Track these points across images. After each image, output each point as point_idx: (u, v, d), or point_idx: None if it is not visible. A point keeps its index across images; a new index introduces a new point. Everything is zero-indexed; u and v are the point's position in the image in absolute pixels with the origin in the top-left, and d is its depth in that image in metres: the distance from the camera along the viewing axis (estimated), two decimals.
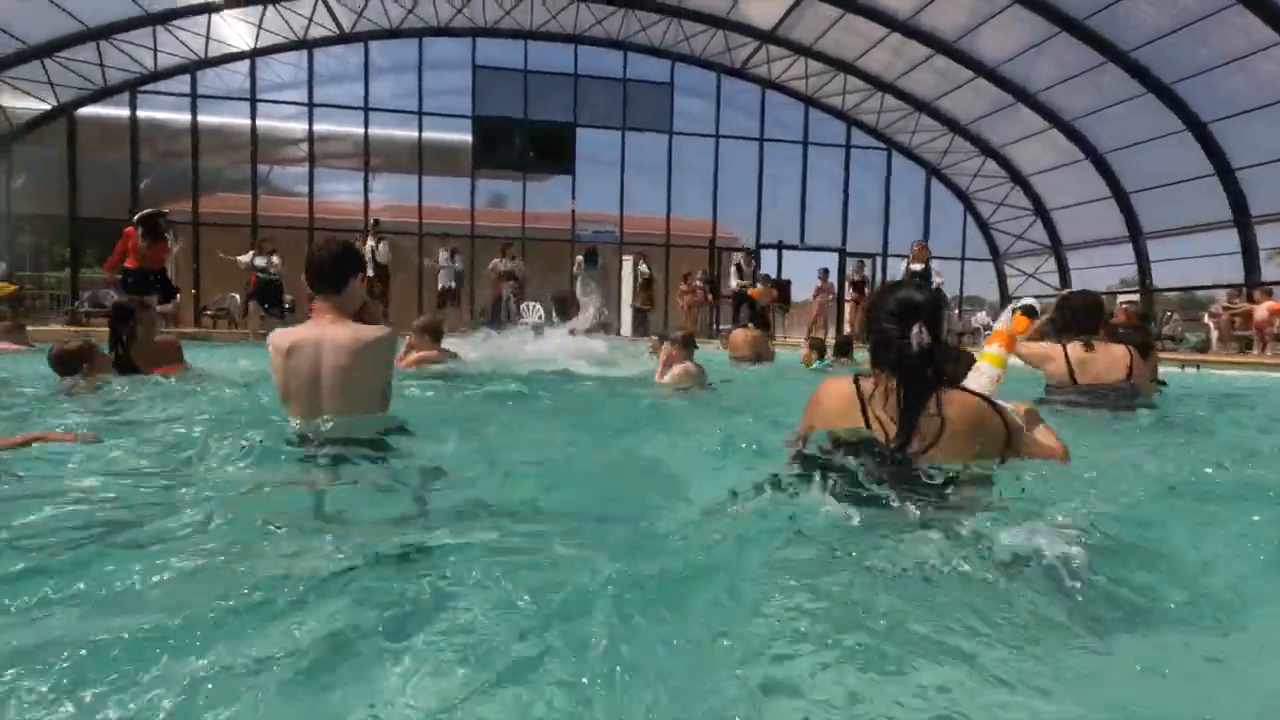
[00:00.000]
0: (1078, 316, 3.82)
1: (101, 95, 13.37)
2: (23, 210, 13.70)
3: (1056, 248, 16.13)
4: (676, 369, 5.24)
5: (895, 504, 1.68)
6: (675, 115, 16.05)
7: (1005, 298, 17.41)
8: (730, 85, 16.17)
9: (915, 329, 1.83)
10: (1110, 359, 3.68)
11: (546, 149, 15.50)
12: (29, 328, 8.16)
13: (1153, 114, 12.06)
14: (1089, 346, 3.69)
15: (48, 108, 13.01)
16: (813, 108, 16.42)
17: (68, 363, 3.62)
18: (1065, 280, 16.13)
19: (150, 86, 13.72)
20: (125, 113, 13.69)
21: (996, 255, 17.35)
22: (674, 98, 16.00)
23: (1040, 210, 16.04)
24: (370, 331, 2.59)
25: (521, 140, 15.35)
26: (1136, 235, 14.10)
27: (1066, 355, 3.71)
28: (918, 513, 1.66)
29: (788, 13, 13.67)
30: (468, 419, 3.45)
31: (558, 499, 2.19)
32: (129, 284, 8.64)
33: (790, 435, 2.10)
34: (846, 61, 15.03)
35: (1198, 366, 7.59)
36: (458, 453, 2.62)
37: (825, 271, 13.81)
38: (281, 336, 2.52)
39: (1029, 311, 2.99)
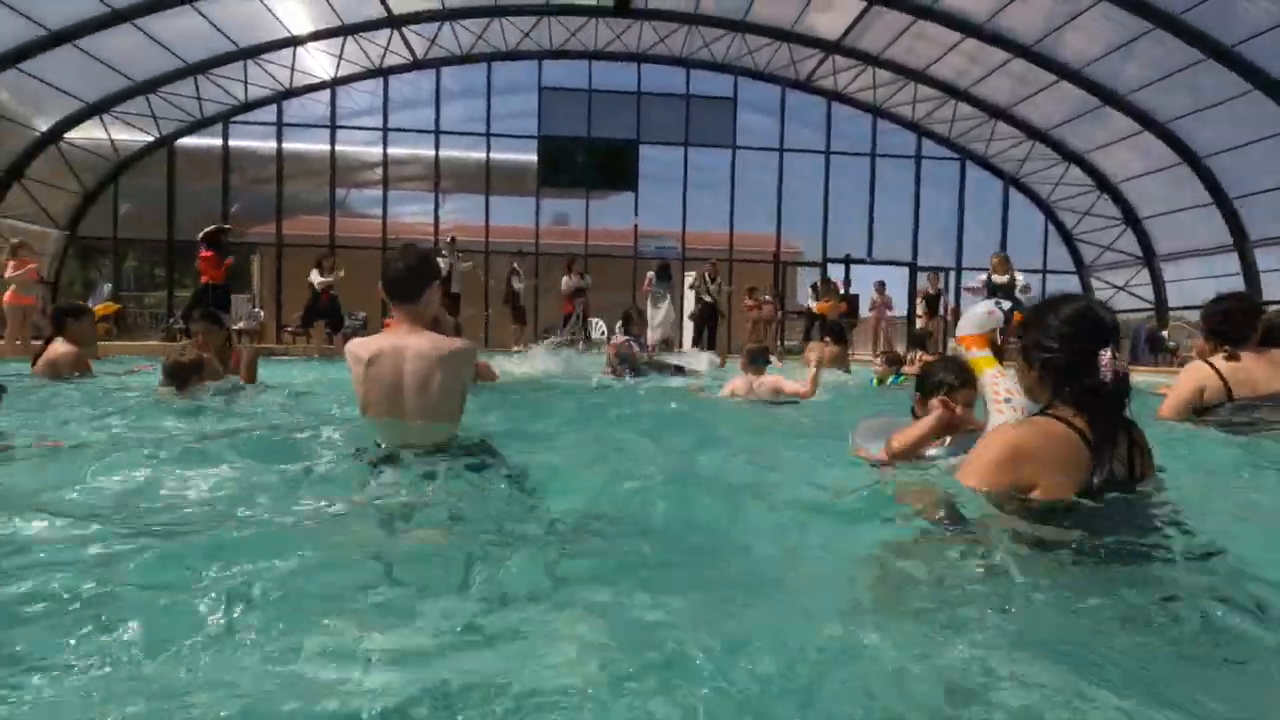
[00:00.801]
0: (1215, 325, 3.33)
1: (198, 126, 14.31)
2: (127, 235, 14.73)
3: (1150, 259, 15.07)
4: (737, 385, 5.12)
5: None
6: (739, 130, 15.94)
7: None
8: (795, 98, 15.95)
9: (1104, 354, 1.61)
10: (1272, 366, 3.17)
11: (609, 166, 15.63)
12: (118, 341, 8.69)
13: (1260, 113, 11.14)
14: (1234, 357, 3.21)
15: (150, 139, 14.00)
16: (881, 119, 16.00)
17: (179, 375, 3.88)
18: (1160, 293, 15.06)
19: (241, 117, 14.59)
20: (218, 142, 14.61)
21: (1081, 267, 16.37)
22: (737, 112, 15.90)
23: (1131, 219, 15.05)
24: (450, 342, 2.61)
25: (585, 159, 15.54)
26: (1242, 243, 13.01)
27: (1217, 370, 3.23)
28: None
29: (855, 22, 13.38)
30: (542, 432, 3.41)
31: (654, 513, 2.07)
32: (211, 300, 9.15)
33: (927, 495, 1.77)
34: (916, 70, 14.58)
35: None
36: (545, 465, 2.56)
37: (882, 284, 13.34)
38: (360, 346, 2.52)
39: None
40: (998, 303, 2.31)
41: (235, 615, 1.22)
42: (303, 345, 12.51)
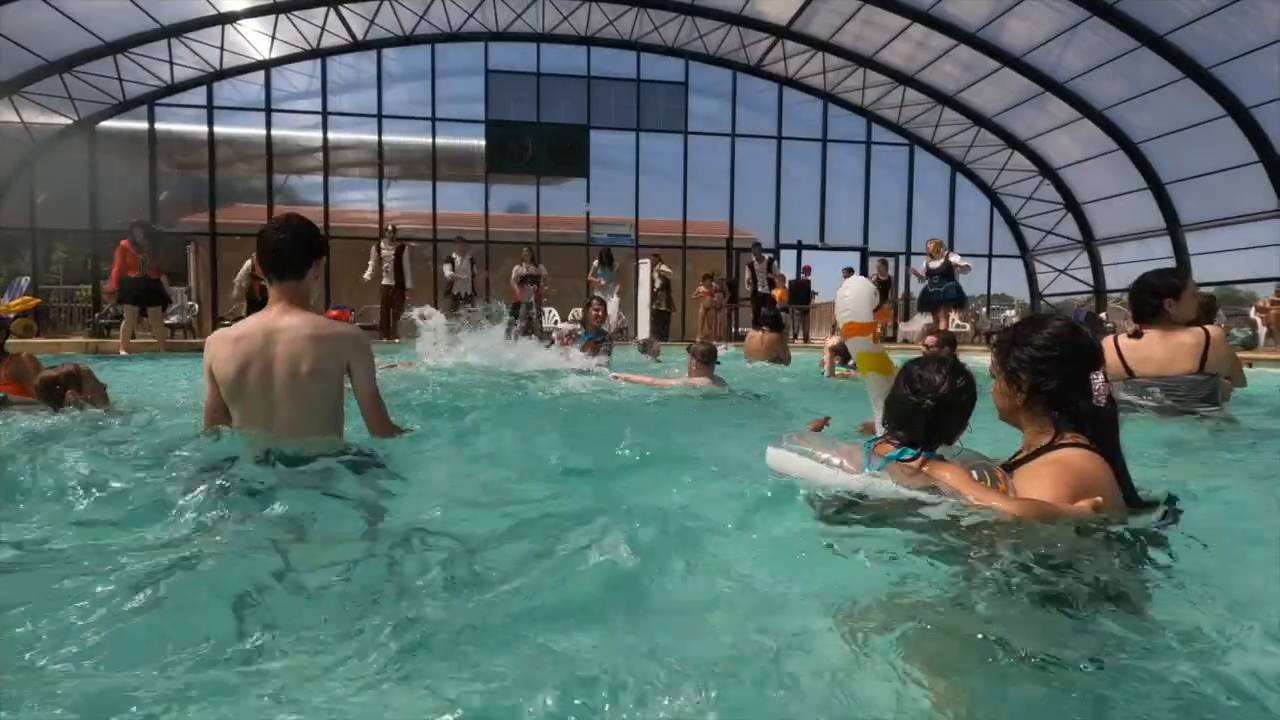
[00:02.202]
0: (1130, 303, 3.33)
1: (120, 109, 13.50)
2: (47, 225, 13.86)
3: (1089, 242, 15.54)
4: (697, 383, 5.03)
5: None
6: (690, 115, 15.80)
7: (1035, 295, 16.86)
8: (746, 83, 15.87)
9: (1097, 379, 1.56)
10: (1173, 346, 3.15)
11: (560, 152, 15.31)
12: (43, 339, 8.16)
13: (1191, 100, 11.51)
14: (1137, 335, 3.22)
15: (69, 123, 13.15)
16: (832, 104, 16.05)
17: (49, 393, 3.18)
18: (1098, 275, 15.55)
19: (167, 99, 13.82)
20: (144, 125, 13.82)
21: (1025, 251, 16.79)
22: (689, 98, 15.75)
23: (1071, 204, 15.47)
24: (335, 324, 2.31)
25: (534, 144, 15.19)
26: (1174, 228, 13.49)
27: (1116, 346, 3.24)
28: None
29: (803, 7, 13.34)
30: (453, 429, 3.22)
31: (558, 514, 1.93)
32: (129, 293, 8.66)
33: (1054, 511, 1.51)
34: (866, 56, 14.65)
35: (1249, 364, 7.10)
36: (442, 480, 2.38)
37: (849, 271, 13.39)
38: (225, 331, 2.23)
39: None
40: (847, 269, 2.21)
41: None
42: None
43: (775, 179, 16.16)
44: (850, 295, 2.34)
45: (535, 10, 14.22)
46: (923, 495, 1.55)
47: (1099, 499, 1.47)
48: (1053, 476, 1.53)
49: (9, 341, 4.08)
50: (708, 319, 13.22)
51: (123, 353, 8.54)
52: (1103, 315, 14.15)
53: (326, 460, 2.10)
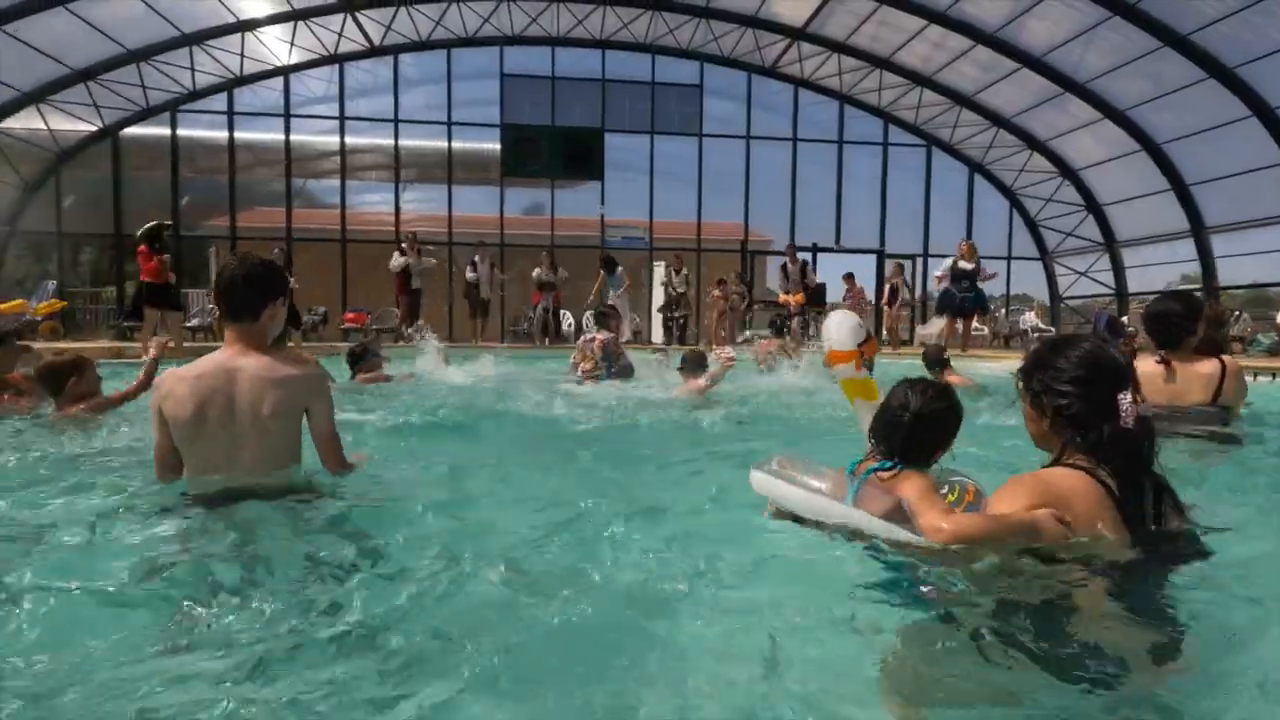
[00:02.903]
0: (1151, 328, 3.21)
1: (144, 116, 13.75)
2: (73, 229, 14.17)
3: (1110, 244, 15.28)
4: (689, 385, 5.03)
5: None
6: (705, 118, 15.76)
7: (1055, 297, 16.63)
8: (761, 85, 15.80)
9: (1124, 399, 1.48)
10: (1188, 376, 3.06)
11: (574, 155, 15.35)
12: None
13: (1216, 101, 11.27)
14: (1164, 362, 3.10)
15: (93, 129, 13.43)
16: (848, 105, 15.94)
17: (51, 380, 3.36)
18: (1120, 278, 15.29)
19: (189, 105, 14.06)
20: (166, 131, 14.07)
21: (1045, 253, 16.56)
22: (703, 100, 15.72)
23: (1092, 205, 15.22)
24: (294, 366, 2.21)
25: (549, 147, 15.24)
26: (1199, 230, 13.23)
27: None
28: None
29: (819, 9, 13.26)
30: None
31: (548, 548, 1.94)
32: (151, 299, 8.81)
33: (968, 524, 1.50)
34: (882, 57, 14.52)
35: (1273, 375, 6.95)
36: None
37: (851, 276, 13.27)
38: (180, 370, 2.13)
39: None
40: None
41: None
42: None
43: (790, 181, 16.08)
44: (833, 325, 2.43)
45: (550, 14, 14.27)
46: (882, 534, 1.60)
47: (1054, 511, 1.44)
48: (1013, 493, 1.51)
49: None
50: (721, 323, 13.19)
51: (144, 357, 8.69)
52: (1124, 319, 13.92)
53: (291, 499, 2.09)
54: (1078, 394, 1.53)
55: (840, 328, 2.39)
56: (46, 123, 12.84)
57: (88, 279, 16.84)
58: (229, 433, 2.09)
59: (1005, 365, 7.96)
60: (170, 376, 2.13)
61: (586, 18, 14.40)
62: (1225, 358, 3.11)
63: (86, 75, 12.53)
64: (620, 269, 12.34)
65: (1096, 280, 15.72)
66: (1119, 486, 1.47)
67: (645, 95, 15.59)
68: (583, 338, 6.49)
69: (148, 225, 9.06)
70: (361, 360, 5.50)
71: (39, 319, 12.61)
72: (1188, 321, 3.09)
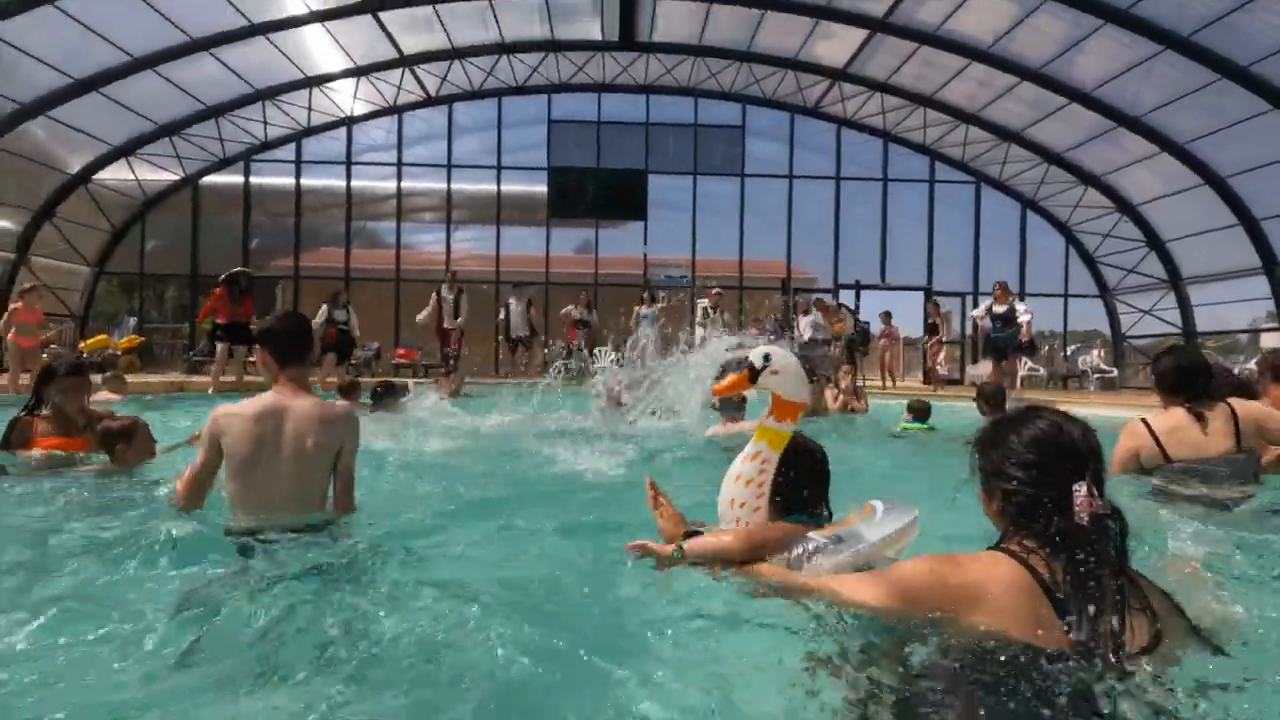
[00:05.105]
0: (1164, 384, 3.14)
1: (220, 165, 14.84)
2: (154, 270, 15.29)
3: (1176, 282, 14.56)
4: (729, 426, 5.08)
5: None
6: (748, 157, 15.95)
7: (1118, 336, 15.89)
8: (804, 125, 15.92)
9: (1079, 490, 1.28)
10: (1206, 420, 2.98)
11: (618, 196, 15.73)
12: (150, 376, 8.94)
13: None
14: (1199, 416, 3.01)
15: (175, 178, 14.56)
16: (892, 143, 15.86)
17: (105, 442, 3.55)
18: (1187, 318, 14.52)
19: (261, 155, 15.11)
20: (240, 179, 15.13)
21: (1105, 291, 15.90)
22: (745, 140, 15.92)
23: (1154, 241, 14.59)
24: (337, 407, 2.53)
25: (594, 189, 15.68)
26: (1272, 266, 12.49)
27: (1150, 428, 3.06)
28: None
29: (859, 50, 13.34)
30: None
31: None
32: (220, 336, 9.38)
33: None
34: (926, 95, 14.45)
35: None
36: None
37: (888, 315, 13.03)
38: (237, 408, 2.37)
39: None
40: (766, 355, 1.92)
41: None
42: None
43: (834, 219, 16.02)
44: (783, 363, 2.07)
45: (596, 63, 14.82)
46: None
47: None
48: (906, 563, 1.42)
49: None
50: None
51: (211, 391, 9.24)
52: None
53: (326, 532, 2.32)
54: (1026, 480, 1.35)
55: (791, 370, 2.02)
56: (134, 173, 14.01)
57: (167, 316, 18.07)
58: (277, 466, 2.33)
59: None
60: (232, 414, 2.35)
61: (631, 65, 14.89)
62: (1231, 399, 3.02)
63: (170, 130, 13.66)
64: (656, 306, 12.41)
65: (1162, 319, 14.97)
66: (1068, 581, 1.26)
67: (688, 137, 15.91)
68: (610, 377, 6.58)
69: (232, 270, 9.73)
70: (385, 398, 5.67)
71: (119, 353, 13.60)
72: (1193, 374, 3.08)
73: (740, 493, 1.91)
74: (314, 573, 2.04)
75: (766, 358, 1.93)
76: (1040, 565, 1.29)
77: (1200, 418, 3.00)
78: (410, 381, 10.04)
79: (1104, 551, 1.27)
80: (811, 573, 1.64)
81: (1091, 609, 1.23)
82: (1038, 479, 1.34)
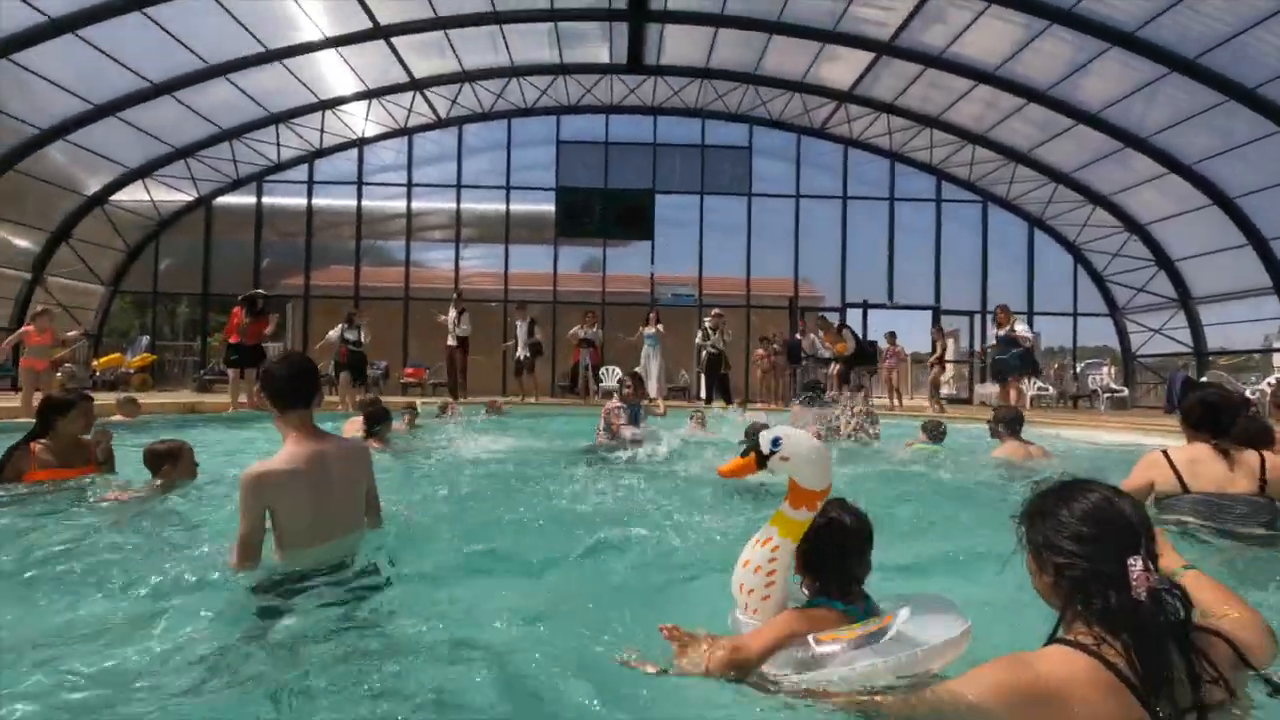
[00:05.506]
0: (1190, 419, 3.17)
1: (234, 186, 15.06)
2: (167, 288, 15.48)
3: (1186, 301, 14.49)
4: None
5: None
6: (754, 177, 16.05)
7: (1128, 356, 15.79)
8: (810, 145, 16.02)
9: (1135, 565, 1.25)
10: (1233, 460, 2.97)
11: (625, 216, 15.85)
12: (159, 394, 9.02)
13: None
14: (1222, 451, 3.02)
15: (189, 199, 14.79)
16: (899, 163, 15.93)
17: (152, 463, 3.63)
18: (1198, 337, 14.43)
19: (274, 176, 15.32)
20: (252, 200, 15.34)
21: (1115, 309, 15.83)
22: (752, 160, 16.02)
23: (1163, 260, 14.54)
24: (356, 441, 2.68)
25: (601, 209, 15.80)
26: None
27: (1169, 459, 3.07)
28: None
29: (864, 73, 13.44)
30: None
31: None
32: (233, 359, 9.47)
33: None
34: (932, 116, 14.52)
35: None
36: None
37: (892, 335, 13.02)
38: (271, 465, 2.27)
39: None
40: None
41: None
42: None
43: (841, 238, 16.06)
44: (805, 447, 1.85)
45: (604, 85, 14.99)
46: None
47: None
48: (987, 671, 1.30)
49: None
50: (765, 381, 13.13)
51: (231, 410, 9.31)
52: (1204, 380, 13.08)
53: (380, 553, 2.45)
54: (1080, 554, 1.33)
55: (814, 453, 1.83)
56: (150, 194, 14.24)
57: (178, 334, 18.28)
58: (331, 505, 2.38)
59: (1058, 433, 7.57)
60: (267, 471, 2.23)
61: (638, 87, 15.04)
62: (1265, 451, 3.01)
63: (185, 152, 13.89)
64: (658, 326, 12.42)
65: (1172, 338, 14.88)
66: (1135, 663, 1.23)
67: (695, 157, 16.03)
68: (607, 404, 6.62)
69: (249, 292, 9.86)
70: (382, 423, 5.64)
71: (131, 371, 13.76)
72: (1219, 411, 3.10)
73: (749, 579, 1.79)
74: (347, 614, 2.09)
75: (776, 442, 1.79)
76: (1114, 656, 1.25)
77: (1225, 454, 3.00)
78: (418, 401, 10.10)
79: (1165, 628, 1.25)
80: (822, 679, 1.51)
81: (1170, 696, 1.22)
82: (1092, 553, 1.32)
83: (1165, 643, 1.24)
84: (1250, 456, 2.98)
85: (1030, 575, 1.46)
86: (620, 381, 7.04)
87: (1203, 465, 3.01)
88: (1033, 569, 1.44)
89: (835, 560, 1.77)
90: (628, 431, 6.19)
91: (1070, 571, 1.33)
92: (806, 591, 1.82)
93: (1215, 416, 3.08)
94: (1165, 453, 3.12)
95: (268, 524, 2.24)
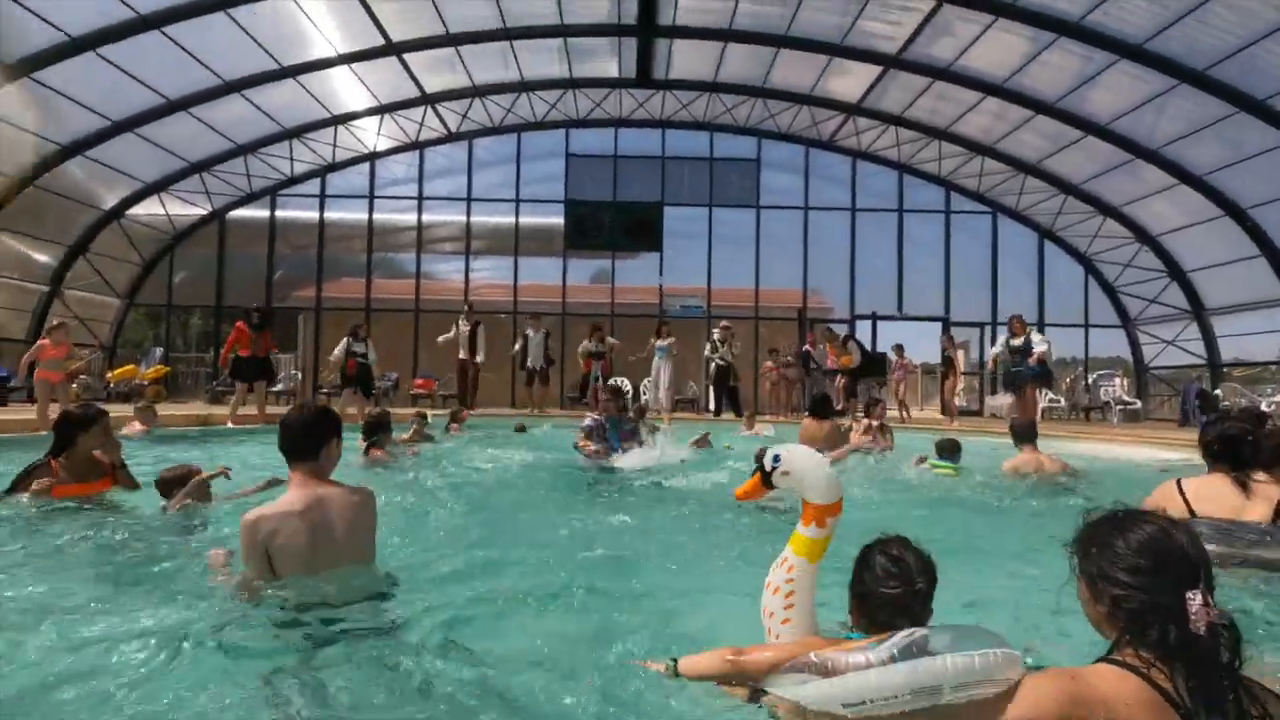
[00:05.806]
0: (1209, 451, 3.14)
1: (247, 200, 15.25)
2: (181, 301, 15.67)
3: (1199, 312, 14.38)
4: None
5: None
6: (763, 189, 16.09)
7: (1141, 367, 15.67)
8: (819, 157, 16.06)
9: (1194, 599, 1.26)
10: (1250, 493, 2.94)
11: (634, 228, 15.92)
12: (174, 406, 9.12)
13: None
14: (1243, 484, 3.00)
15: (204, 213, 14.98)
16: (908, 174, 15.94)
17: (164, 489, 3.66)
18: (1211, 349, 14.30)
19: (287, 190, 15.51)
20: (266, 213, 15.53)
21: (1127, 321, 15.73)
22: (761, 173, 16.08)
23: (1175, 272, 14.45)
24: (361, 489, 2.57)
25: (610, 221, 15.88)
26: None
27: (1180, 488, 3.07)
28: None
29: (872, 85, 13.50)
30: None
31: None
32: (241, 371, 9.57)
33: None
34: (940, 128, 14.55)
35: None
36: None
37: (900, 348, 12.99)
38: (266, 510, 2.30)
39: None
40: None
41: None
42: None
43: (850, 250, 16.07)
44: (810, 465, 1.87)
45: (613, 99, 15.11)
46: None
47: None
48: (1026, 691, 1.31)
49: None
50: (775, 393, 13.11)
51: (229, 424, 9.41)
52: (1218, 392, 12.97)
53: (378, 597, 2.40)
54: (1138, 586, 1.33)
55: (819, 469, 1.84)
56: (165, 208, 14.45)
57: (191, 345, 18.46)
58: (331, 545, 2.34)
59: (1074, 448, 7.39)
60: (267, 515, 2.28)
61: (647, 100, 15.16)
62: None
63: (201, 167, 14.10)
64: (670, 339, 12.44)
65: (1185, 350, 14.76)
66: (1188, 694, 1.24)
67: (704, 170, 16.10)
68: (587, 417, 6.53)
69: (249, 306, 10.00)
70: (380, 432, 5.67)
71: (145, 383, 13.89)
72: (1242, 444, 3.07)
73: (770, 601, 1.79)
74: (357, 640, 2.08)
75: (776, 459, 1.83)
76: (1162, 679, 1.27)
77: (1244, 486, 2.99)
78: (429, 412, 10.16)
79: (1221, 661, 1.26)
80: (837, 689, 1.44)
81: None
82: (1150, 585, 1.32)
83: (1219, 676, 1.25)
84: (1270, 489, 2.96)
85: (1082, 603, 1.46)
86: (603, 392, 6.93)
87: (1215, 493, 3.01)
88: (1085, 597, 1.44)
89: (885, 604, 1.67)
90: (591, 449, 5.91)
91: (1127, 604, 1.33)
92: (850, 621, 1.78)
93: (1235, 450, 3.07)
94: (1179, 483, 3.12)
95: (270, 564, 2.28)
